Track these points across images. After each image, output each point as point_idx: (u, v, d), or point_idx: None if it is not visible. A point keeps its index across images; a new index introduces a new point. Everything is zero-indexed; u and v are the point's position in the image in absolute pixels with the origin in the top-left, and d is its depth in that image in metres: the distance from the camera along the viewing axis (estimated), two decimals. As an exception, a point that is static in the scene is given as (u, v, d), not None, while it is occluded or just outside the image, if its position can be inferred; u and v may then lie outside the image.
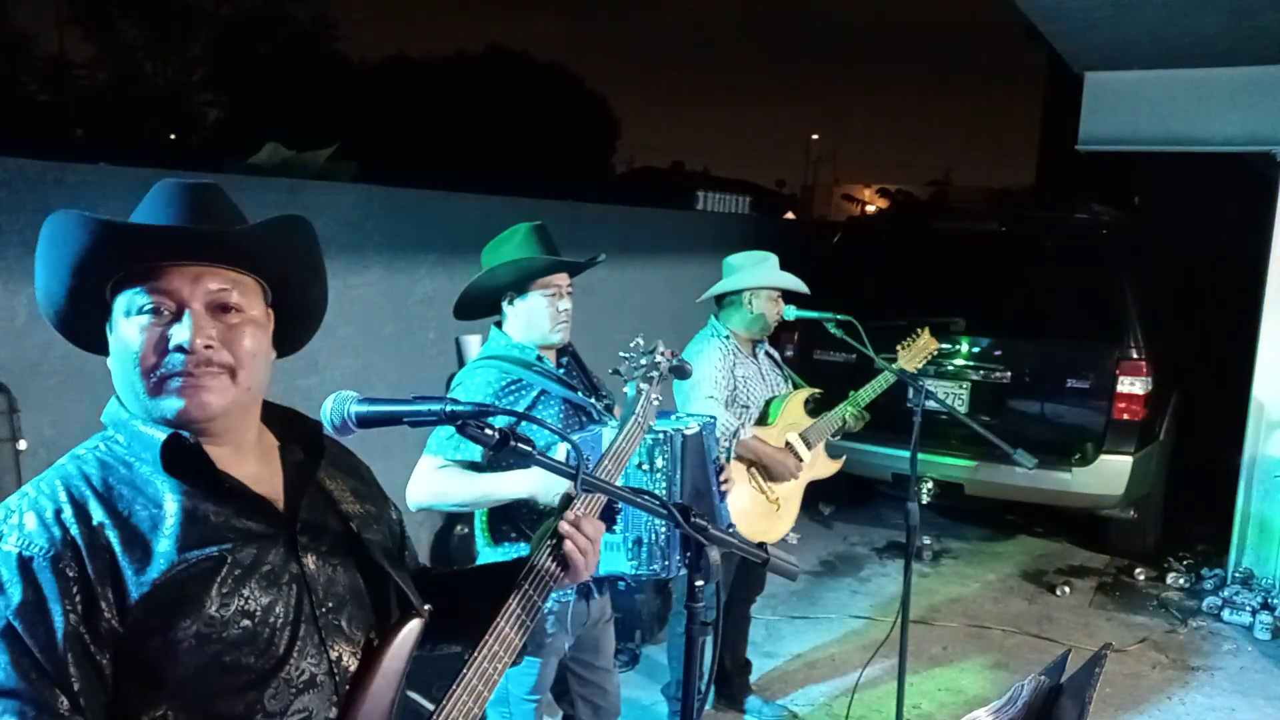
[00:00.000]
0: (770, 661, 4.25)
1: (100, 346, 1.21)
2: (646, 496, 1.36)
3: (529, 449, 1.24)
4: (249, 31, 30.11)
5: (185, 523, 1.13)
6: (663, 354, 2.20)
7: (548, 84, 31.24)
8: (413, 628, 1.26)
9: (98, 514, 1.11)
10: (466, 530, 3.99)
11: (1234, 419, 5.45)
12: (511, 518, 2.40)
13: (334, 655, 1.20)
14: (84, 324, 1.21)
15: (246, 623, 1.13)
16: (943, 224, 6.26)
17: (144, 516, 1.12)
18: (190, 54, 30.11)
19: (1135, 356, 5.16)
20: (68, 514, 1.10)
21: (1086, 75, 6.00)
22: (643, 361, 2.17)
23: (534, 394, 2.41)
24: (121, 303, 1.17)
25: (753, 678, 3.92)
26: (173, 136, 28.93)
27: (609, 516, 2.28)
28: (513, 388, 2.39)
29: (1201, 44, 5.09)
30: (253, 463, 1.24)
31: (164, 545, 1.11)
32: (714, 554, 1.33)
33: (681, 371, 2.26)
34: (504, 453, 1.23)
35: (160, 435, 1.15)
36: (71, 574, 1.07)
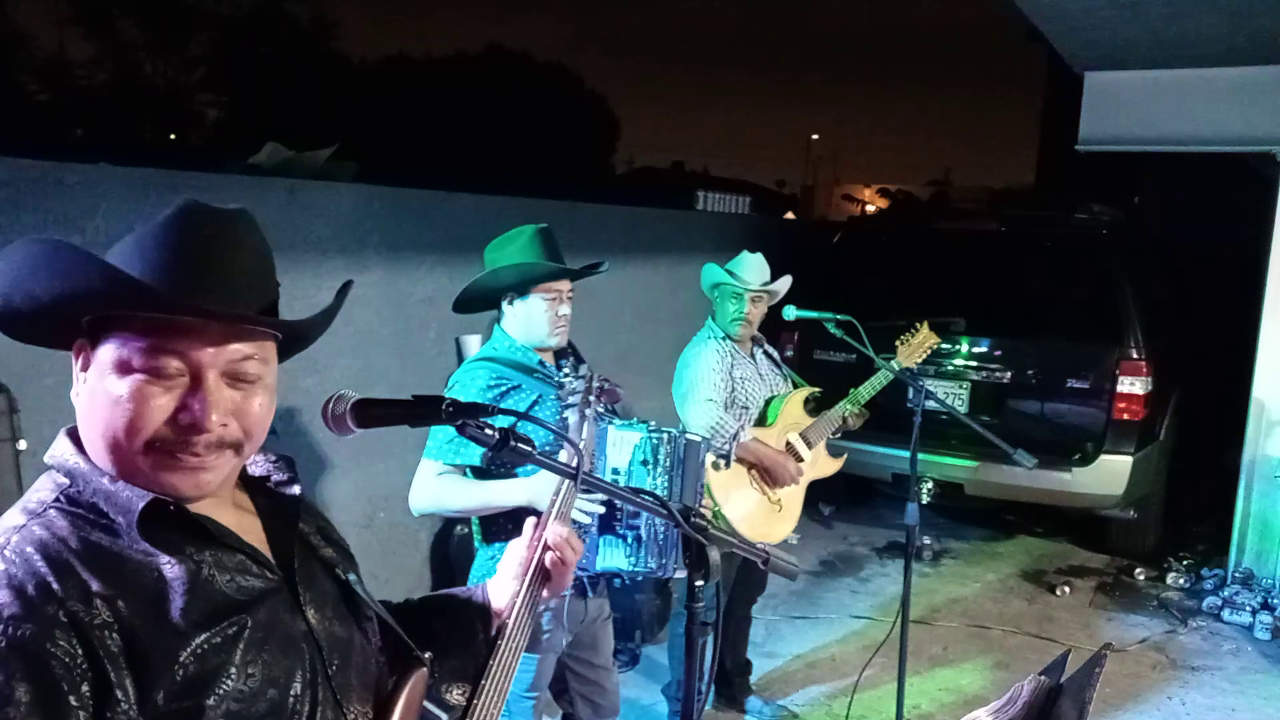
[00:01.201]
0: (770, 661, 4.25)
1: (39, 341, 1.06)
2: (646, 496, 1.36)
3: (529, 449, 1.24)
4: (249, 31, 30.10)
5: (192, 589, 0.98)
6: (596, 380, 2.20)
7: (548, 84, 31.22)
8: (419, 678, 1.21)
9: (92, 584, 0.93)
10: (466, 531, 3.99)
11: (1234, 419, 5.45)
12: (512, 514, 2.42)
13: (350, 717, 1.11)
14: (34, 332, 1.04)
15: (273, 692, 1.01)
16: (943, 224, 6.27)
17: (145, 585, 0.96)
18: (190, 54, 30.07)
19: (1135, 356, 5.16)
20: (56, 587, 0.91)
21: (1086, 75, 6.00)
22: (576, 387, 2.18)
23: (530, 399, 2.42)
24: (111, 349, 0.99)
25: (753, 678, 3.92)
26: (173, 136, 28.90)
27: (609, 524, 2.30)
28: (508, 390, 2.41)
29: (1201, 44, 5.09)
30: (230, 511, 1.11)
31: (179, 617, 0.96)
32: (714, 554, 1.33)
33: (614, 395, 2.28)
34: (504, 453, 1.22)
35: (139, 500, 0.98)
36: (71, 661, 0.89)
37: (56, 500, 1.00)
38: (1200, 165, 6.72)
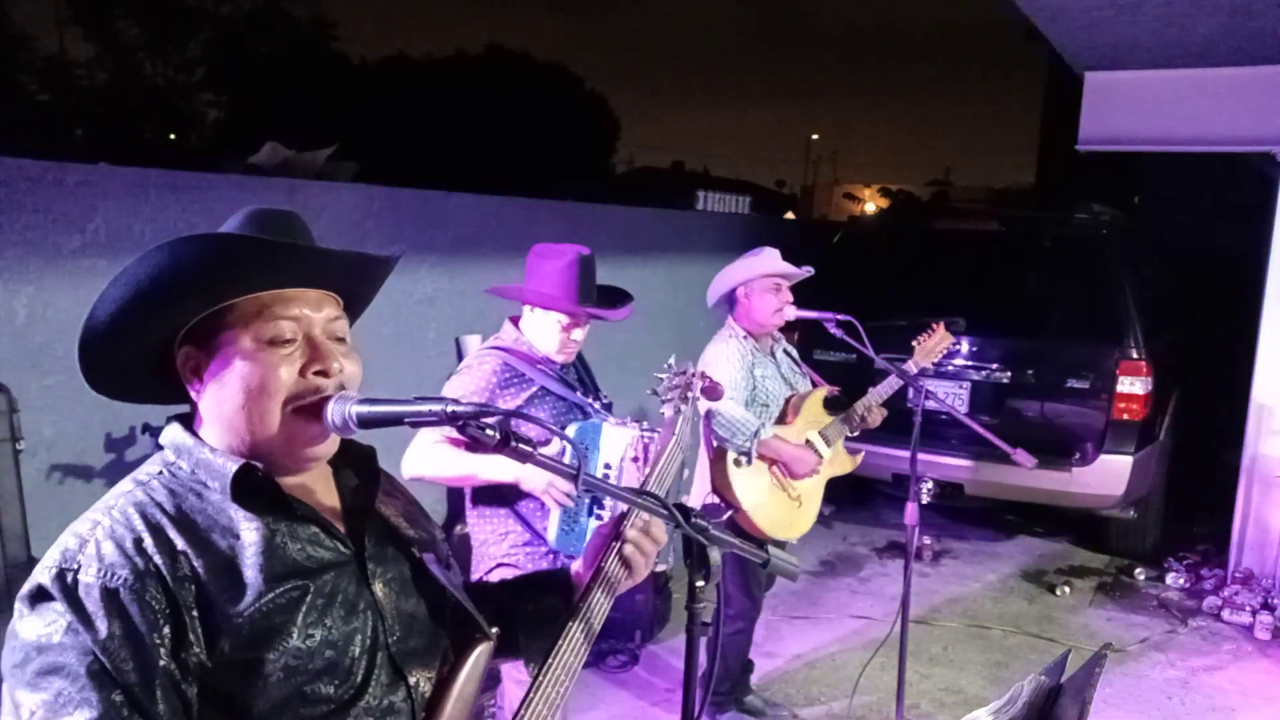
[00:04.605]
0: (770, 661, 4.25)
1: (116, 391, 1.20)
2: (647, 497, 1.36)
3: (529, 449, 1.24)
4: (249, 31, 30.07)
5: (266, 553, 1.11)
6: (694, 375, 2.23)
7: (548, 84, 31.19)
8: (482, 651, 1.28)
9: (178, 542, 1.08)
10: (465, 530, 3.99)
11: (1234, 419, 5.45)
12: (500, 494, 2.57)
13: (412, 681, 1.22)
14: (130, 359, 1.17)
15: (330, 653, 1.13)
16: (943, 224, 6.27)
17: (224, 546, 1.10)
18: (190, 54, 30.03)
19: (1135, 356, 5.16)
20: (149, 543, 1.06)
21: (1086, 75, 6.00)
22: (675, 382, 2.21)
23: (533, 389, 2.54)
24: (233, 336, 1.15)
25: (753, 678, 3.92)
26: (173, 136, 28.89)
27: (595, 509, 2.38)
28: (513, 378, 2.52)
29: (1201, 44, 5.09)
30: (317, 489, 1.24)
31: (249, 577, 1.09)
32: (714, 554, 1.33)
33: (714, 393, 2.33)
34: (505, 452, 1.23)
35: (232, 465, 1.13)
36: (158, 606, 1.03)
37: (161, 473, 1.16)
38: (1200, 165, 6.72)
